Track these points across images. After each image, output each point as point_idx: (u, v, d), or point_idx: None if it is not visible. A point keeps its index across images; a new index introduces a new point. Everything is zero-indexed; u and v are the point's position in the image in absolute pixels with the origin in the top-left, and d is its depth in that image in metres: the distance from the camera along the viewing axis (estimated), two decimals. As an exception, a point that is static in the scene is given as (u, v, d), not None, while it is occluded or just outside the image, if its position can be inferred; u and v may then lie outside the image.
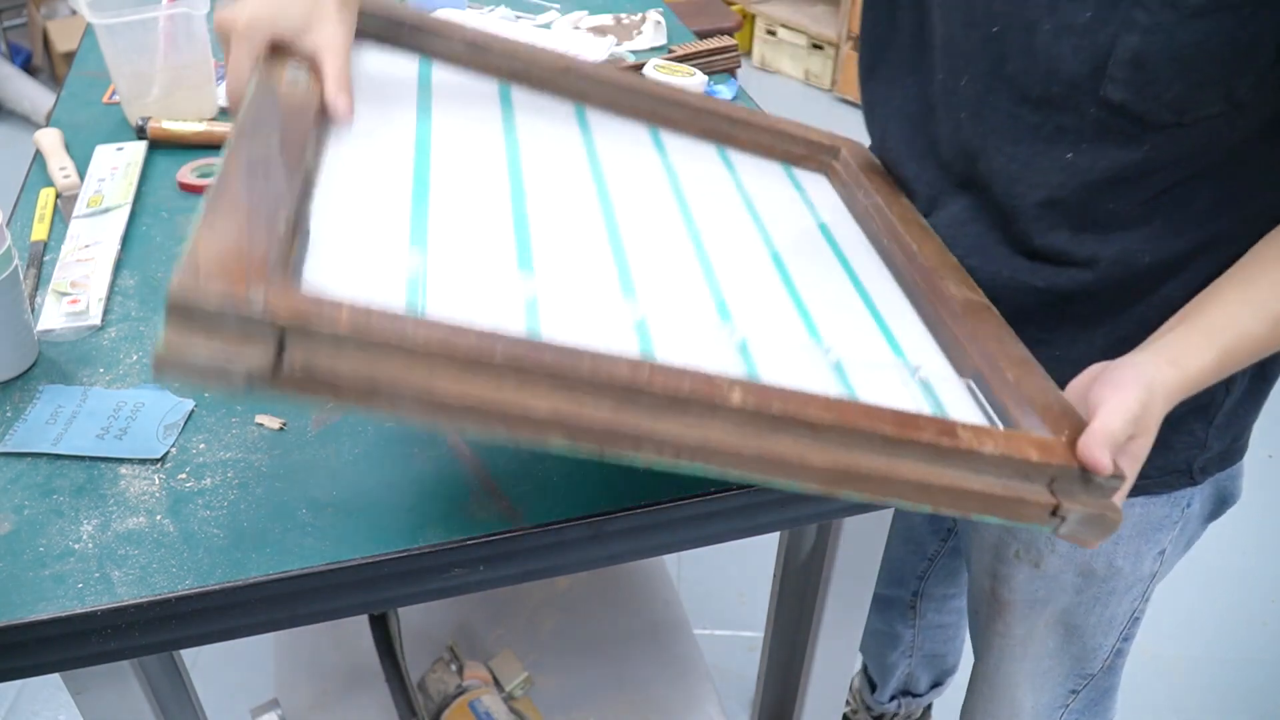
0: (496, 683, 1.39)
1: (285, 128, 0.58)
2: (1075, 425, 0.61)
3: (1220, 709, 1.64)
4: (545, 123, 0.79)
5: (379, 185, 0.62)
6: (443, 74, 0.80)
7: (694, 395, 0.51)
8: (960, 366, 0.69)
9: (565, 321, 0.57)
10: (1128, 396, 0.62)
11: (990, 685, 1.06)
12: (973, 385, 0.67)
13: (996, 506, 0.58)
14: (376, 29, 0.78)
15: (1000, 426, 0.63)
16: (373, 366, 0.47)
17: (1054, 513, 0.59)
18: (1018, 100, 0.72)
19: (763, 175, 0.87)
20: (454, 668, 1.39)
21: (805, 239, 0.79)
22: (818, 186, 0.89)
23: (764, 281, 0.70)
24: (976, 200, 0.80)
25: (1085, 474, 0.59)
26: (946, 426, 0.57)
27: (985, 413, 0.65)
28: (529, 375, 0.49)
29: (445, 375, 0.48)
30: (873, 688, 1.50)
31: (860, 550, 0.89)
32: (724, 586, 1.79)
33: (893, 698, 1.50)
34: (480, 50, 0.80)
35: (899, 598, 1.31)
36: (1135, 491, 0.84)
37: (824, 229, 0.82)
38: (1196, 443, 0.83)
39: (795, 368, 0.61)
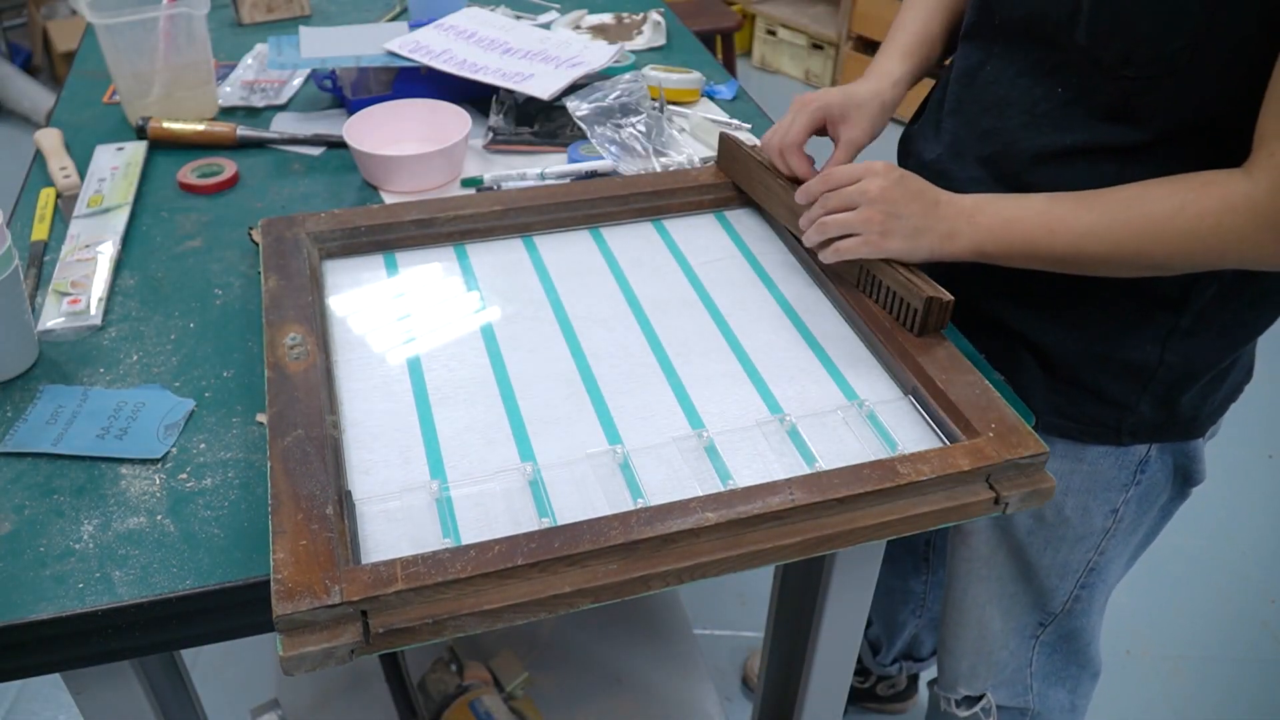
0: (496, 683, 1.39)
1: (303, 403, 0.70)
2: (1000, 417, 0.70)
3: (1220, 709, 1.64)
4: (501, 273, 0.90)
5: (391, 423, 0.73)
6: (406, 260, 0.92)
7: (678, 530, 0.62)
8: (901, 383, 0.78)
9: (567, 488, 0.68)
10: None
11: (960, 610, 1.11)
12: (914, 401, 0.76)
13: (948, 515, 0.67)
14: (339, 245, 0.91)
15: (940, 435, 0.73)
16: (434, 607, 0.58)
17: (996, 502, 0.68)
18: (1025, 35, 0.82)
19: (697, 234, 0.97)
20: (454, 668, 1.39)
21: (747, 292, 0.89)
22: (747, 222, 0.99)
23: (720, 360, 0.81)
24: (992, 155, 0.86)
25: (1015, 462, 0.68)
26: (888, 469, 0.66)
27: (928, 424, 0.74)
28: (548, 565, 0.60)
29: (487, 591, 0.59)
30: (874, 651, 1.52)
31: (860, 551, 0.89)
32: (724, 588, 1.79)
33: (895, 660, 1.52)
34: (427, 225, 0.92)
35: (913, 544, 1.33)
36: (1063, 433, 0.92)
37: (761, 272, 0.92)
38: (1122, 402, 0.88)
39: (757, 450, 0.72)
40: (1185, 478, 0.96)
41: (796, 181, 0.90)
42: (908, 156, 0.98)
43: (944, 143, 0.90)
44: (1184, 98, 0.74)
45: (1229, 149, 0.73)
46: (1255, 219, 0.69)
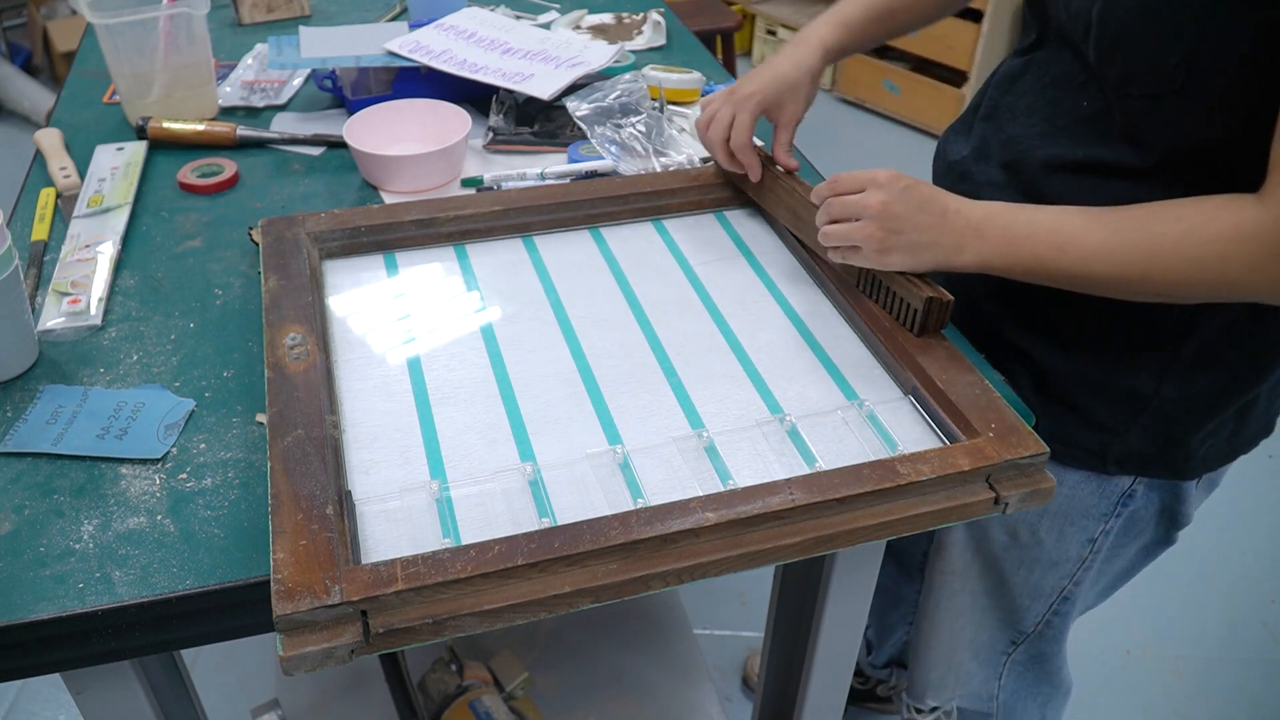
0: (496, 683, 1.39)
1: (303, 403, 0.70)
2: (1000, 417, 0.70)
3: (1220, 709, 1.64)
4: (501, 273, 0.90)
5: (391, 423, 0.73)
6: (406, 260, 0.92)
7: (678, 530, 0.62)
8: (901, 382, 0.78)
9: (566, 488, 0.68)
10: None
11: (932, 621, 1.10)
12: (913, 400, 0.77)
13: (948, 515, 0.67)
14: (339, 245, 0.91)
15: (940, 435, 0.73)
16: (434, 607, 0.58)
17: (996, 501, 0.68)
18: (1064, 47, 0.81)
19: (697, 234, 0.97)
20: (454, 668, 1.39)
21: (747, 292, 0.89)
22: (747, 223, 0.99)
23: (720, 360, 0.80)
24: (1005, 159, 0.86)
25: (1015, 462, 0.67)
26: (888, 469, 0.66)
27: (928, 424, 0.74)
28: (548, 565, 0.60)
29: (487, 591, 0.59)
30: (867, 649, 1.52)
31: (860, 551, 0.89)
32: (725, 588, 1.79)
33: (886, 664, 1.52)
34: (427, 224, 0.92)
35: (911, 553, 1.33)
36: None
37: (760, 272, 0.92)
38: (1112, 426, 0.86)
39: (757, 450, 0.72)
40: (1171, 519, 0.94)
41: (799, 180, 0.90)
42: (939, 157, 0.97)
43: (972, 145, 0.90)
44: (1186, 120, 0.72)
45: (1234, 176, 0.71)
46: (1264, 249, 0.66)
